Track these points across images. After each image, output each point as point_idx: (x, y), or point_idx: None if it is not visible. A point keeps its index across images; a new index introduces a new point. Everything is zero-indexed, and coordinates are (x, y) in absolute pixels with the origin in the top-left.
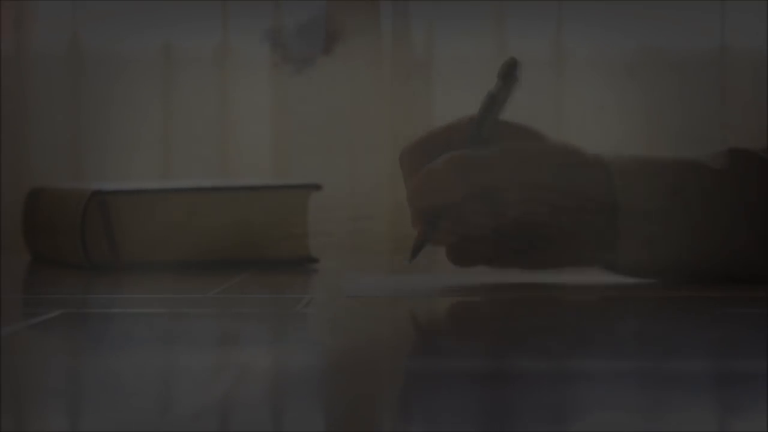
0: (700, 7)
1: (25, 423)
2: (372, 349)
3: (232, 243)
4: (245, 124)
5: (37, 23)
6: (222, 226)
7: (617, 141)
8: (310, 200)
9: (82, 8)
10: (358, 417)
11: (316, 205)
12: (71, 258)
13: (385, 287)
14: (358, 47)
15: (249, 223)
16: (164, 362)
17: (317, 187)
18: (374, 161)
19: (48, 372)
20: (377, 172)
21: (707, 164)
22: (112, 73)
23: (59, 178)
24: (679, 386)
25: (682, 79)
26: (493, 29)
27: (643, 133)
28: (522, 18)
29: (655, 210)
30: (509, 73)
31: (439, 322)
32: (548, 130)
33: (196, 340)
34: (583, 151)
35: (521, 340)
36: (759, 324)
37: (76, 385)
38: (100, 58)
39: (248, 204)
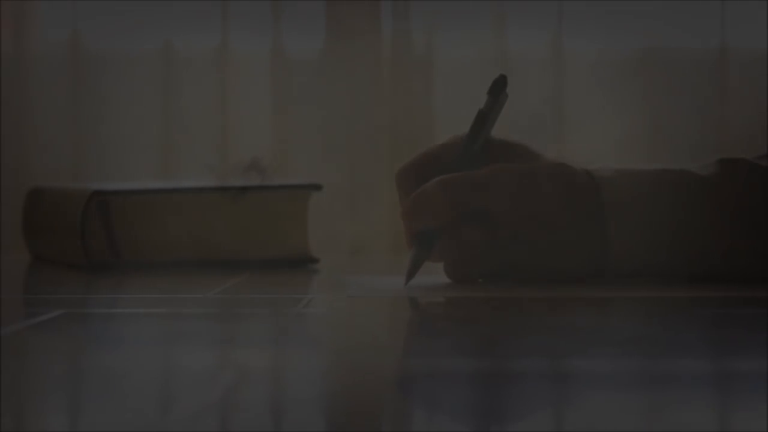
0: (700, 7)
1: (25, 423)
2: (372, 349)
3: (232, 243)
4: (245, 125)
5: (37, 23)
6: (222, 226)
7: (617, 141)
8: (310, 200)
9: (82, 8)
10: (358, 417)
11: (316, 205)
12: (71, 258)
13: (385, 287)
14: (358, 47)
15: (249, 223)
16: (164, 362)
17: (317, 187)
18: (374, 161)
19: (48, 372)
20: (377, 172)
21: (695, 173)
22: (112, 74)
23: (59, 178)
24: (679, 386)
25: (682, 80)
26: (493, 29)
27: (643, 133)
28: (522, 18)
29: (644, 222)
30: (499, 90)
31: (438, 321)
32: (548, 131)
33: (196, 340)
34: (572, 168)
35: (520, 339)
36: (759, 324)
37: (76, 385)
38: (100, 58)
39: (248, 204)
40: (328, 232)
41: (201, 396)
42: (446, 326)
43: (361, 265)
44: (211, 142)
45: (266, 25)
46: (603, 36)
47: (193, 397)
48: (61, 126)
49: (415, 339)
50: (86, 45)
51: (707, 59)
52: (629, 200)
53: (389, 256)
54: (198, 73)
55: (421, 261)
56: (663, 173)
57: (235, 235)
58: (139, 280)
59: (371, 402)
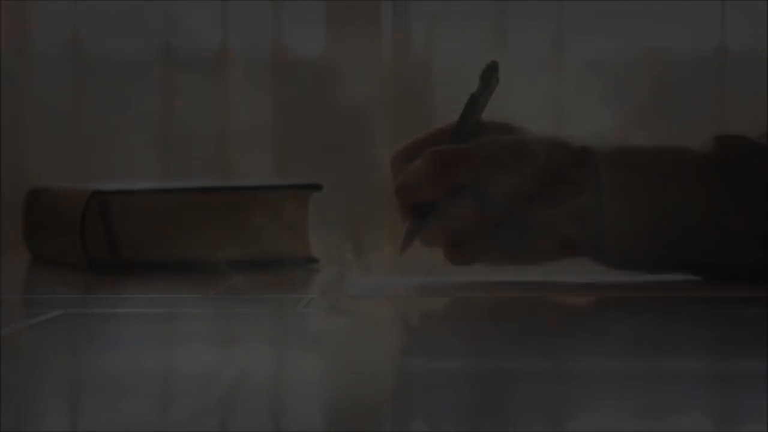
0: (700, 7)
1: (25, 423)
2: (372, 349)
3: (232, 243)
4: (245, 125)
5: (37, 23)
6: (222, 226)
7: (617, 141)
8: (310, 200)
9: (82, 8)
10: (358, 417)
11: (316, 205)
12: (71, 258)
13: (385, 287)
14: (358, 47)
15: (249, 223)
16: (164, 362)
17: (317, 187)
18: (374, 161)
19: (48, 372)
20: (377, 172)
21: (694, 150)
22: (112, 73)
23: (59, 178)
24: (679, 386)
25: (682, 79)
26: (493, 29)
27: (643, 133)
28: (522, 18)
29: (641, 198)
30: (490, 75)
31: (438, 321)
32: (548, 131)
33: (196, 340)
34: (568, 141)
35: (520, 339)
36: (759, 324)
37: (76, 385)
38: (100, 58)
39: (248, 204)
40: (328, 232)
41: (201, 396)
42: (446, 326)
43: (361, 265)
44: (211, 142)
45: (266, 25)
46: (603, 36)
47: (192, 398)
48: (61, 126)
49: (415, 339)
50: (86, 45)
51: (707, 59)
52: (625, 174)
53: (389, 257)
54: (198, 72)
55: (416, 233)
56: (662, 150)
57: (235, 235)
58: (139, 280)
59: (371, 402)
